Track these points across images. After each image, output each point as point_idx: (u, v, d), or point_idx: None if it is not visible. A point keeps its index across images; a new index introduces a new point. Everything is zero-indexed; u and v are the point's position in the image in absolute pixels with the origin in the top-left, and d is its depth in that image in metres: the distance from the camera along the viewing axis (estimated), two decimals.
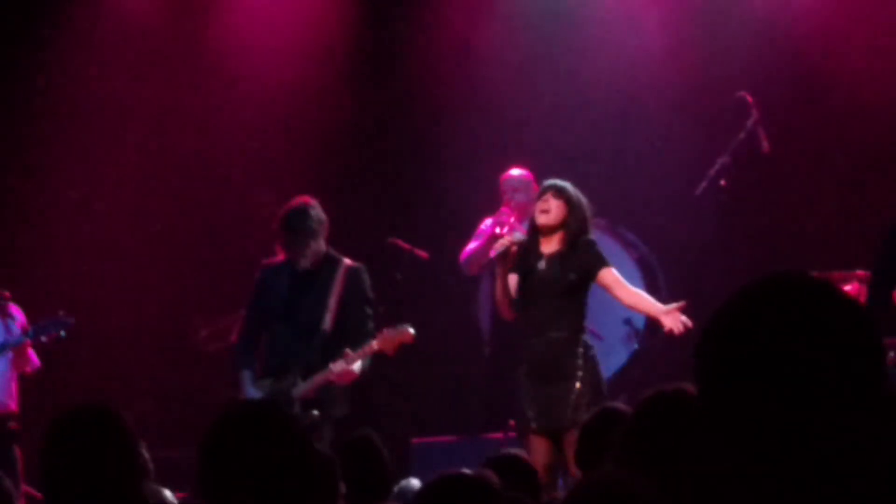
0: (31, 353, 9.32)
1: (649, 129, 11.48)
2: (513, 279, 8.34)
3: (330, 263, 8.78)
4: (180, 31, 12.20)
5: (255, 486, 3.11)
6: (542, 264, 8.24)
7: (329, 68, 12.04)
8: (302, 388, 8.55)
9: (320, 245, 8.74)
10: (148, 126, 12.06)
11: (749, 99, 10.27)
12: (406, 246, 10.50)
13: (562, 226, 8.24)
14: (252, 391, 8.62)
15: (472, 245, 10.41)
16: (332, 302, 8.69)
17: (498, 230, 9.98)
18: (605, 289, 8.27)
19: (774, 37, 11.35)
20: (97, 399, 5.70)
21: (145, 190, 12.07)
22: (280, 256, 8.89)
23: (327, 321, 8.67)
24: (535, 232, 8.33)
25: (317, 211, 8.74)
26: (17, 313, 9.40)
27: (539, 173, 10.46)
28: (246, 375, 8.72)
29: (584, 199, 8.42)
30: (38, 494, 9.31)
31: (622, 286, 8.25)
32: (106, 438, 3.95)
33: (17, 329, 9.26)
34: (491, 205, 10.48)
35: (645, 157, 11.46)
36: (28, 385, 9.48)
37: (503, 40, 11.90)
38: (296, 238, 8.66)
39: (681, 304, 8.09)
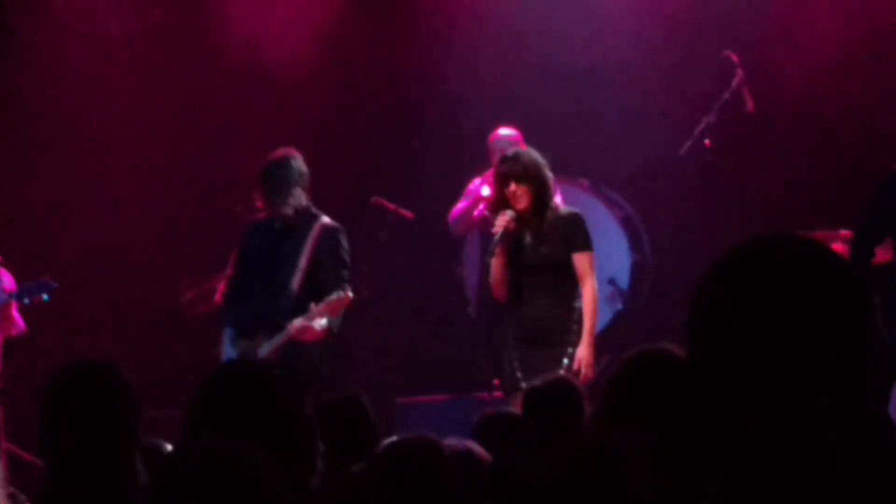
0: (17, 316, 9.30)
1: (633, 88, 11.46)
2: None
3: (307, 220, 8.56)
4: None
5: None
6: (528, 240, 8.34)
7: (315, 31, 12.00)
8: (266, 348, 8.36)
9: (300, 197, 8.56)
10: (136, 89, 12.01)
11: (734, 58, 10.25)
12: (391, 205, 10.47)
13: (534, 203, 8.29)
14: (229, 351, 8.47)
15: (460, 205, 10.39)
16: (303, 261, 8.47)
17: (485, 190, 9.96)
18: (575, 271, 8.33)
19: None
20: (99, 356, 5.68)
21: (131, 152, 12.02)
22: (262, 214, 8.70)
23: (295, 281, 8.45)
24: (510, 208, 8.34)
25: (298, 162, 8.57)
26: (6, 276, 9.40)
27: (525, 133, 10.45)
28: (227, 334, 8.56)
29: (537, 159, 8.44)
30: (24, 453, 9.34)
31: (587, 280, 8.31)
32: (108, 395, 3.91)
33: (2, 293, 9.23)
34: (479, 164, 10.45)
35: (629, 117, 11.44)
36: (13, 345, 9.47)
37: (488, 1, 11.87)
38: (275, 187, 8.49)
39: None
